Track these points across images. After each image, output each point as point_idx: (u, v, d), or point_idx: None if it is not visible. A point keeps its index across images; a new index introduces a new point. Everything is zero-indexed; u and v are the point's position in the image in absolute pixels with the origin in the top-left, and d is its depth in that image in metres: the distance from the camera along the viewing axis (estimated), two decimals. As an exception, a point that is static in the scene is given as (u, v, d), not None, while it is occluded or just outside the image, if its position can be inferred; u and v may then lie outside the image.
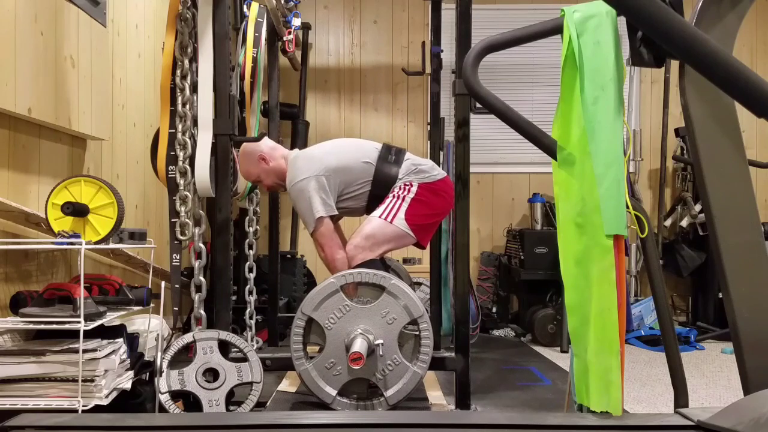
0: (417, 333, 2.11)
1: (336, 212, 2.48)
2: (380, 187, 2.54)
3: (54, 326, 1.79)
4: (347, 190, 2.53)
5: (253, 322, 3.20)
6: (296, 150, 2.68)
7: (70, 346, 1.82)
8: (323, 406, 2.42)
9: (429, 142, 3.47)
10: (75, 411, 1.75)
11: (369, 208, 2.58)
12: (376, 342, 2.04)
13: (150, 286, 2.24)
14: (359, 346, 1.97)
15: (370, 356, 2.03)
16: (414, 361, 2.10)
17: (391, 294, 2.08)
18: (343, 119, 4.67)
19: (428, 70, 3.62)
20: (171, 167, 2.27)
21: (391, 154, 2.58)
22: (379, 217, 2.45)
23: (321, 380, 2.08)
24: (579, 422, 1.33)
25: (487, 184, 4.66)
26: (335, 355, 2.08)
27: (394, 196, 2.51)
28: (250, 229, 3.27)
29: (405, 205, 2.46)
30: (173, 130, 2.27)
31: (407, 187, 2.52)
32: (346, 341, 2.07)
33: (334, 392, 2.08)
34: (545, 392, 2.65)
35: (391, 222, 2.44)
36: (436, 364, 2.44)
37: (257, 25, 2.87)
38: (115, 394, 1.89)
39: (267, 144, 2.64)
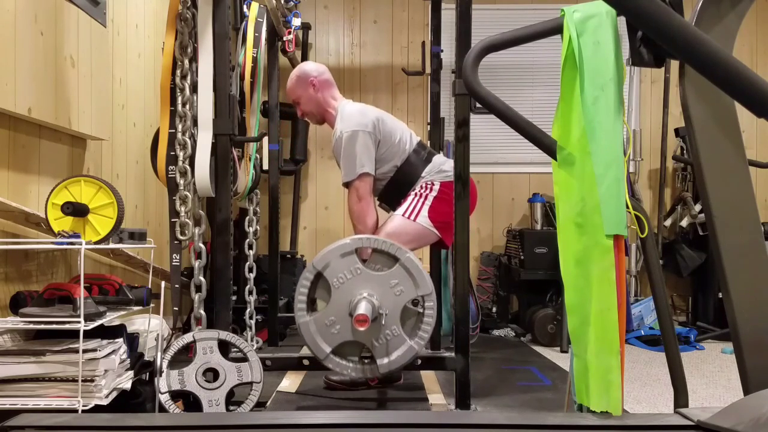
0: (421, 311, 2.09)
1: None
2: (401, 178, 2.58)
3: (54, 326, 1.79)
4: (377, 167, 2.56)
5: (253, 322, 3.20)
6: (349, 100, 2.70)
7: (70, 346, 1.82)
8: (323, 406, 2.42)
9: (429, 142, 3.48)
10: (75, 411, 1.75)
11: (382, 195, 2.59)
12: (382, 310, 2.04)
13: (150, 286, 2.24)
14: (366, 308, 1.96)
15: (372, 322, 2.01)
16: (413, 336, 2.08)
17: (403, 267, 2.06)
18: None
19: (428, 70, 3.62)
20: (171, 167, 2.27)
21: (423, 152, 2.65)
22: (402, 215, 2.48)
23: (318, 335, 2.05)
24: (579, 422, 1.33)
25: (487, 184, 4.66)
26: (337, 314, 2.06)
27: (416, 195, 2.54)
28: (250, 229, 3.27)
29: (428, 204, 2.50)
30: (173, 130, 2.27)
31: (429, 186, 2.55)
32: (350, 303, 2.05)
33: (328, 349, 2.06)
34: (545, 392, 2.65)
35: (414, 220, 2.47)
36: (436, 364, 2.44)
37: (257, 25, 2.87)
38: (115, 394, 1.89)
39: (323, 75, 2.69)
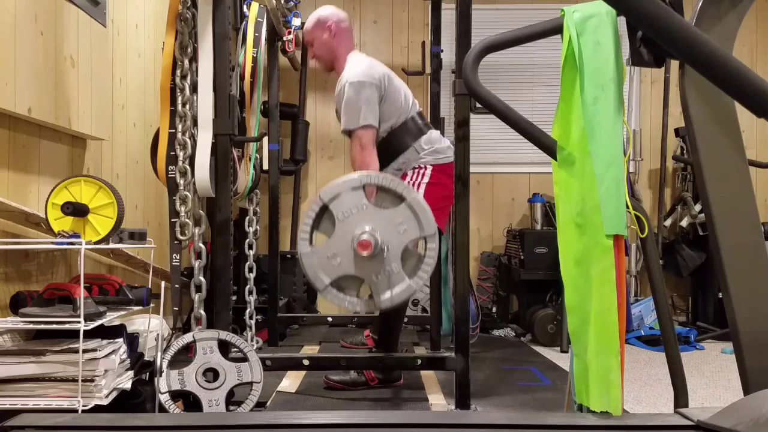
0: (422, 254, 2.08)
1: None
2: (393, 141, 2.59)
3: (54, 326, 1.79)
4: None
5: (253, 322, 3.20)
6: (361, 53, 2.72)
7: (70, 346, 1.82)
8: (323, 406, 2.42)
9: (429, 121, 3.47)
10: (75, 411, 1.75)
11: None
12: (384, 246, 2.03)
13: (150, 286, 2.24)
14: (369, 236, 1.96)
15: (374, 257, 2.01)
16: (412, 276, 2.07)
17: (409, 206, 2.04)
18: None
19: (428, 70, 3.62)
20: (171, 167, 2.27)
21: (421, 122, 2.66)
22: None
23: (318, 267, 2.04)
24: (579, 422, 1.33)
25: (487, 184, 4.66)
26: (339, 247, 2.03)
27: (408, 182, 2.53)
28: (250, 229, 3.27)
29: (421, 191, 2.49)
30: (173, 130, 2.27)
31: (421, 171, 2.55)
32: (353, 236, 2.02)
33: (327, 281, 2.03)
34: (545, 392, 2.65)
35: None
36: (436, 364, 2.44)
37: (257, 25, 2.87)
38: (115, 394, 1.89)
39: (342, 22, 2.71)
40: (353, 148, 2.54)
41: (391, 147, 2.59)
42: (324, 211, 2.04)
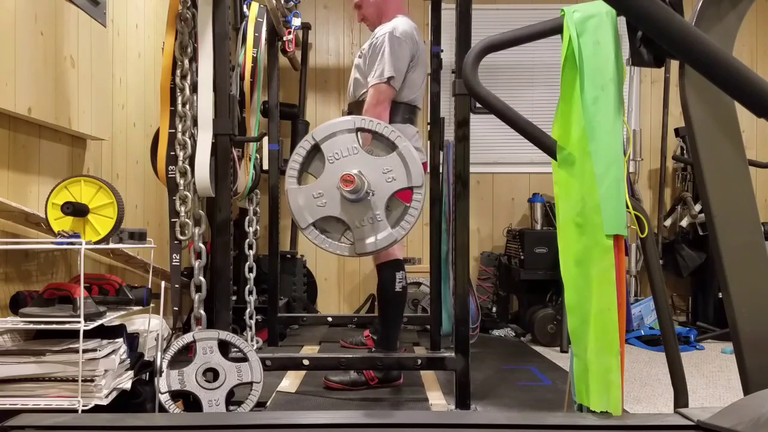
0: (408, 205, 2.06)
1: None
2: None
3: (54, 326, 1.79)
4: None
5: (253, 322, 3.20)
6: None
7: (70, 346, 1.82)
8: (323, 406, 2.42)
9: (429, 142, 3.48)
10: (75, 411, 1.75)
11: (353, 112, 2.61)
12: (369, 190, 2.00)
13: (150, 286, 2.24)
14: (354, 175, 1.95)
15: (359, 201, 1.99)
16: (395, 226, 2.07)
17: (400, 155, 2.02)
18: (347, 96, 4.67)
19: (428, 70, 3.62)
20: (171, 167, 2.27)
21: (411, 114, 2.69)
22: None
23: (303, 205, 2.02)
24: (579, 422, 1.33)
25: (487, 184, 4.66)
26: (326, 188, 2.02)
27: None
28: (250, 229, 3.27)
29: None
30: (173, 130, 2.27)
31: None
32: (341, 178, 2.00)
33: (310, 220, 2.02)
34: (545, 392, 2.65)
35: None
36: (436, 364, 2.44)
37: (257, 24, 2.87)
38: (115, 394, 1.89)
39: None
40: (369, 99, 2.55)
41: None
42: (316, 150, 2.02)
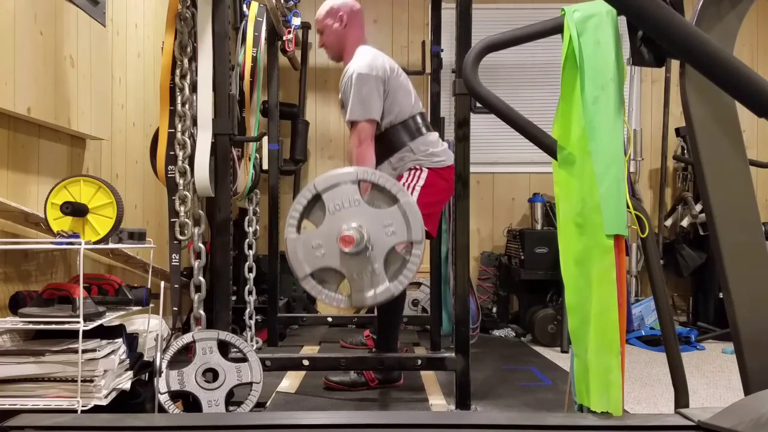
0: (407, 258, 2.06)
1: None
2: (390, 138, 2.59)
3: (53, 326, 1.78)
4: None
5: (252, 322, 3.20)
6: (369, 46, 2.71)
7: (70, 346, 1.81)
8: (323, 407, 2.42)
9: (430, 123, 3.47)
10: (74, 411, 1.75)
11: None
12: (369, 245, 2.00)
13: (149, 286, 2.24)
14: (353, 232, 1.95)
15: (357, 254, 1.99)
16: (393, 279, 2.06)
17: (401, 209, 2.03)
18: (343, 119, 4.67)
19: (428, 69, 3.62)
20: (170, 167, 2.27)
21: (421, 122, 2.65)
22: None
23: (302, 255, 2.03)
24: (579, 422, 1.33)
25: (487, 184, 4.66)
26: (325, 239, 2.02)
27: (404, 183, 2.52)
28: (250, 229, 3.26)
29: (415, 194, 2.48)
30: (173, 130, 2.26)
31: (416, 173, 2.54)
32: (341, 230, 2.00)
33: (308, 270, 2.03)
34: (545, 392, 2.64)
35: None
36: (436, 364, 2.44)
37: (257, 24, 2.87)
38: (114, 394, 1.89)
39: (354, 13, 2.71)
40: (352, 140, 2.53)
41: (389, 142, 2.58)
42: (316, 199, 2.02)
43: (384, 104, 2.54)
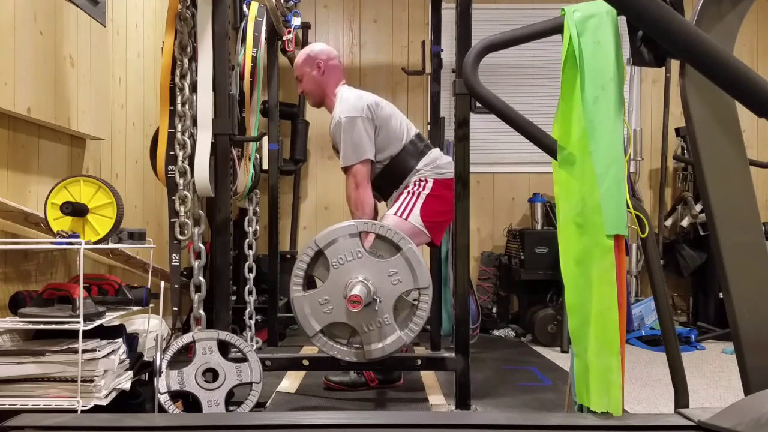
0: (415, 303, 2.08)
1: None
2: (395, 168, 2.60)
3: (53, 326, 1.78)
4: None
5: (252, 322, 3.20)
6: (348, 87, 2.72)
7: (70, 346, 1.81)
8: (323, 407, 2.42)
9: (429, 141, 3.47)
10: (74, 411, 1.75)
11: (374, 184, 2.60)
12: (377, 297, 2.03)
13: (149, 286, 2.24)
14: (360, 290, 1.96)
15: (366, 307, 2.01)
16: (403, 328, 2.08)
17: (404, 257, 2.05)
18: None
19: (428, 69, 3.62)
20: (170, 167, 2.27)
21: (420, 144, 2.66)
22: (395, 214, 2.48)
23: (310, 313, 2.06)
24: (579, 422, 1.33)
25: (487, 184, 4.66)
26: (331, 294, 2.05)
27: (409, 192, 2.54)
28: (250, 229, 3.26)
29: (420, 202, 2.50)
30: (172, 130, 2.26)
31: (422, 183, 2.55)
32: (347, 284, 2.04)
33: (318, 328, 2.06)
34: (546, 392, 2.64)
35: (406, 219, 2.47)
36: (436, 364, 2.44)
37: (257, 24, 2.86)
38: (114, 394, 1.89)
39: (332, 60, 2.72)
40: (348, 185, 2.54)
41: (396, 172, 2.60)
42: (319, 255, 2.06)
43: (378, 140, 2.55)
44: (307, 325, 2.07)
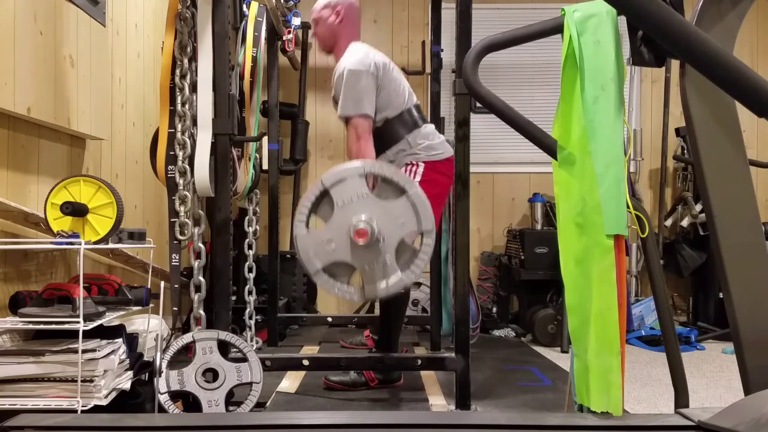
0: (417, 248, 2.07)
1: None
2: (387, 132, 2.58)
3: (53, 326, 1.78)
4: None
5: (252, 322, 3.19)
6: (362, 43, 2.70)
7: (70, 346, 1.81)
8: (323, 406, 2.42)
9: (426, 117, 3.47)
10: (74, 411, 1.75)
11: None
12: (380, 236, 2.00)
13: (149, 286, 2.24)
14: (366, 225, 1.95)
15: (369, 247, 1.98)
16: (405, 269, 2.07)
17: (410, 200, 2.02)
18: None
19: (428, 69, 3.62)
20: (170, 167, 2.27)
21: (417, 114, 2.64)
22: None
23: (312, 251, 2.03)
24: (579, 422, 1.33)
25: (487, 184, 4.66)
26: (335, 233, 2.01)
27: None
28: (250, 229, 3.26)
29: None
30: (172, 130, 2.26)
31: (412, 168, 2.54)
32: (350, 224, 2.00)
33: (319, 266, 2.02)
34: (546, 392, 2.64)
35: None
36: (436, 364, 2.44)
37: (257, 24, 2.86)
38: (114, 394, 1.89)
39: (351, 10, 2.70)
40: (349, 137, 2.52)
41: (385, 136, 2.58)
42: (324, 195, 2.02)
43: (378, 99, 2.54)
44: (309, 263, 2.02)
